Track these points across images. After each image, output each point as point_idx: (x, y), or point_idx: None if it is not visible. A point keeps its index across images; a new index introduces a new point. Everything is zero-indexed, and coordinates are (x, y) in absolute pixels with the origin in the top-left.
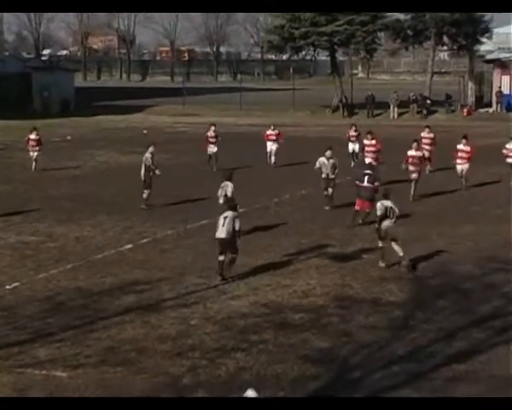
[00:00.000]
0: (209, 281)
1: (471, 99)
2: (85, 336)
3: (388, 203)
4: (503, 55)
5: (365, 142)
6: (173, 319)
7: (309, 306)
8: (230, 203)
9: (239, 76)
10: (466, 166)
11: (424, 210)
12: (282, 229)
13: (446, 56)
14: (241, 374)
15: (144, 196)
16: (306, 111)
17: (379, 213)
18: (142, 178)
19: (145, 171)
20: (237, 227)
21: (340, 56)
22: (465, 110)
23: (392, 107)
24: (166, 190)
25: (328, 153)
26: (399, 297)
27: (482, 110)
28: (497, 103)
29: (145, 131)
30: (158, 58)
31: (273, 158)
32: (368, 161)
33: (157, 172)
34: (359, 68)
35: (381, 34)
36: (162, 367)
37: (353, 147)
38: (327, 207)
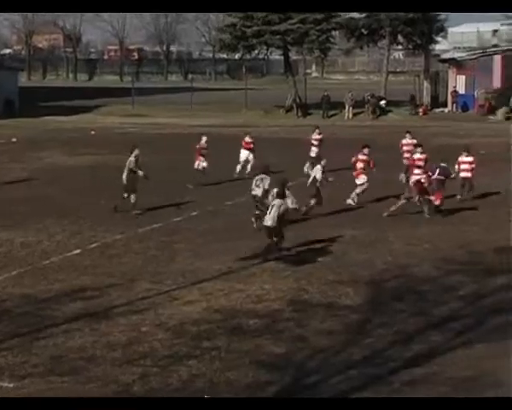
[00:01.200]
0: (160, 286)
1: (427, 99)
2: (32, 345)
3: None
4: (458, 55)
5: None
6: (123, 326)
7: (263, 311)
8: (279, 191)
9: (190, 76)
10: (469, 174)
11: (382, 212)
12: (236, 232)
13: (401, 56)
14: (194, 381)
15: (132, 200)
16: (259, 111)
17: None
18: (124, 182)
19: (128, 174)
20: (291, 205)
21: (293, 55)
22: (421, 110)
23: (347, 107)
24: (116, 193)
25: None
26: (356, 301)
27: (438, 110)
28: (452, 103)
29: (93, 132)
30: (106, 57)
31: (249, 167)
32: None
33: (140, 173)
34: (313, 68)
35: (336, 33)
36: (112, 376)
37: (317, 152)
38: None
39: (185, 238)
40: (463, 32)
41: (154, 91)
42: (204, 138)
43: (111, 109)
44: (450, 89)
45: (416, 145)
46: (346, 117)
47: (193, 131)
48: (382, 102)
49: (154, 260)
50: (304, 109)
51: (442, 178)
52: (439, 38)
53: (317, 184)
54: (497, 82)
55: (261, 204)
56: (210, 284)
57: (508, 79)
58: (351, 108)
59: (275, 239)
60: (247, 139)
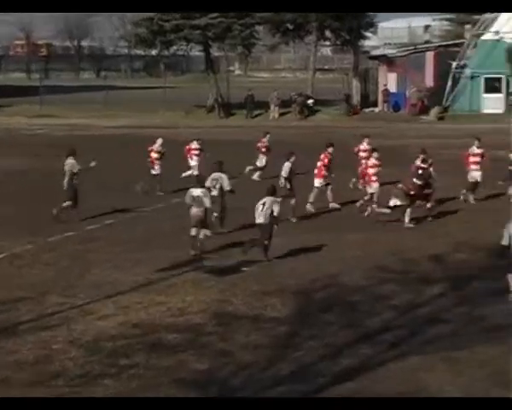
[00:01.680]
0: (73, 300)
1: (356, 98)
2: None
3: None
4: (388, 51)
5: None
6: (32, 343)
7: (185, 324)
8: (269, 188)
9: (103, 73)
10: (479, 173)
11: (314, 220)
12: (154, 240)
13: (330, 52)
14: None
15: (64, 204)
16: (179, 111)
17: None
18: (65, 187)
19: (69, 179)
20: (276, 212)
21: (215, 52)
22: (350, 110)
23: (272, 107)
24: (22, 198)
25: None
26: (283, 312)
27: (368, 110)
28: (383, 102)
29: None
30: (12, 53)
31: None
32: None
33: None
34: (236, 65)
35: (260, 28)
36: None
37: (265, 159)
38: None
39: (101, 247)
40: (394, 28)
41: (65, 90)
42: (159, 141)
43: (17, 109)
44: (381, 87)
45: (372, 150)
46: (271, 117)
47: (106, 133)
48: (310, 102)
49: (67, 271)
50: (226, 109)
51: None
52: (368, 34)
53: (282, 182)
54: (429, 80)
55: (219, 205)
56: (127, 296)
57: (441, 77)
58: (276, 108)
59: (265, 241)
60: (195, 145)
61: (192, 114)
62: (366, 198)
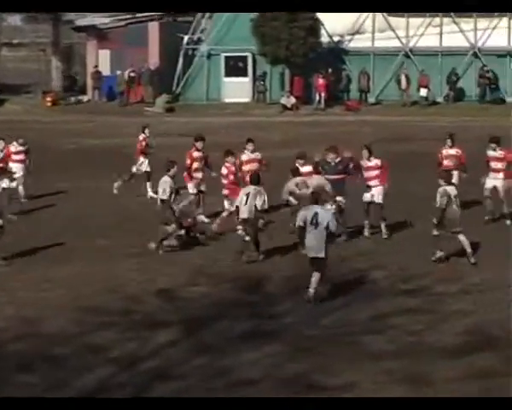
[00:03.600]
0: None
1: (57, 83)
2: None
3: None
4: (99, 21)
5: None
6: None
7: None
8: (253, 178)
9: None
10: (502, 182)
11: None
12: None
13: (19, 21)
14: None
15: None
16: None
17: None
18: None
19: None
20: (259, 205)
21: None
22: (49, 98)
23: None
24: None
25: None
26: None
27: (74, 98)
28: (94, 89)
29: None
30: None
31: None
32: None
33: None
34: None
35: None
36: None
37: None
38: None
39: None
40: None
41: None
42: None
43: None
44: (91, 69)
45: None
46: None
47: None
48: None
49: None
50: None
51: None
52: None
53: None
54: (154, 59)
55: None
56: None
57: (169, 56)
58: None
59: (248, 238)
60: (16, 149)
61: None
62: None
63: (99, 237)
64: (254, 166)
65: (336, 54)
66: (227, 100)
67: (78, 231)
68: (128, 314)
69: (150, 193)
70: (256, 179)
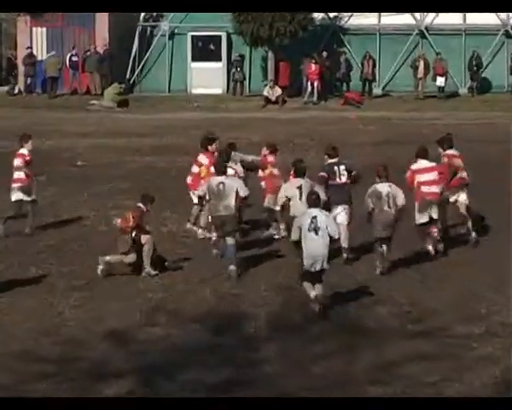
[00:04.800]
0: None
1: None
2: None
3: None
4: None
5: None
6: None
7: None
8: (300, 168)
9: None
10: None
11: None
12: None
13: None
14: None
15: None
16: None
17: None
18: None
19: None
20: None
21: None
22: None
23: None
24: None
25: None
26: None
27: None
28: (26, 77)
29: None
30: None
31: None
32: None
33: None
34: None
35: None
36: None
37: None
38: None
39: None
40: None
41: None
42: None
43: None
44: (22, 52)
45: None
46: None
47: None
48: None
49: None
50: None
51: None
52: None
53: None
54: (102, 39)
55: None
56: None
57: (120, 36)
58: None
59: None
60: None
61: None
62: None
63: (31, 264)
64: None
65: (333, 33)
66: (195, 91)
67: (4, 257)
68: (69, 362)
69: None
70: (303, 170)
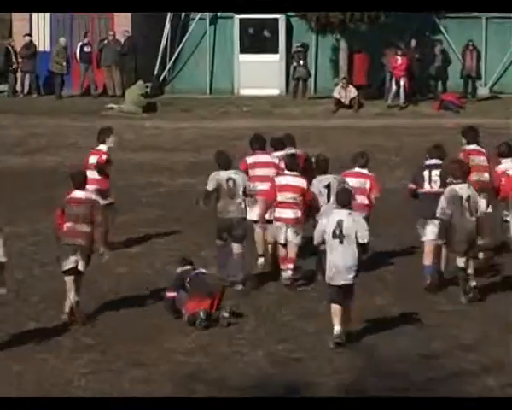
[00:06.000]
0: None
1: None
2: None
3: None
4: None
5: None
6: None
7: None
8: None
9: None
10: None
11: None
12: None
13: None
14: None
15: None
16: None
17: None
18: None
19: None
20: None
21: None
22: None
23: None
24: None
25: None
26: None
27: None
28: (23, 72)
29: None
30: None
31: None
32: None
33: None
34: None
35: None
36: None
37: None
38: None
39: None
40: None
41: None
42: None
43: None
44: (20, 40)
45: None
46: None
47: None
48: None
49: None
50: None
51: None
52: None
53: None
54: (123, 25)
55: None
56: None
57: (147, 21)
58: None
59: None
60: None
61: None
62: None
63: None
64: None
65: (425, 16)
66: (244, 92)
67: None
68: None
69: None
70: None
